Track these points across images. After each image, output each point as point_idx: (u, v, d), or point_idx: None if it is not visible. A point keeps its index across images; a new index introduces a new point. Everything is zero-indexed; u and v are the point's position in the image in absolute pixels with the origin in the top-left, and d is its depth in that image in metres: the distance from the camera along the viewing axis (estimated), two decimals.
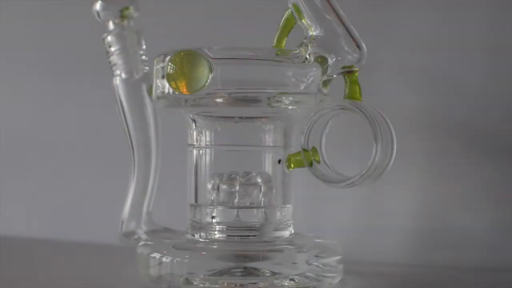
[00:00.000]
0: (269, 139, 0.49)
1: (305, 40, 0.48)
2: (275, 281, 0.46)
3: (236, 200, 0.49)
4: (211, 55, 0.46)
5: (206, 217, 0.49)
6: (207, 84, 0.46)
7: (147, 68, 0.53)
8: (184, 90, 0.46)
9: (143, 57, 0.53)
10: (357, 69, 0.47)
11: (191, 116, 0.50)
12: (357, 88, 0.47)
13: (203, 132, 0.50)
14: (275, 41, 0.50)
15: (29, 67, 0.72)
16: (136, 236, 0.53)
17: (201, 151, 0.50)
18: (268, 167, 0.50)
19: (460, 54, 0.57)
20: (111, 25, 0.53)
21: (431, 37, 0.57)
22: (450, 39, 0.57)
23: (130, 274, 0.52)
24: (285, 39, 0.50)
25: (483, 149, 0.56)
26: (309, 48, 0.47)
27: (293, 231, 0.50)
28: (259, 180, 0.49)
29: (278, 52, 0.48)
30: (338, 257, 0.49)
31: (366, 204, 0.59)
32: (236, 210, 0.49)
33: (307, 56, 0.47)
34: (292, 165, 0.49)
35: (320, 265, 0.47)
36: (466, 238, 0.56)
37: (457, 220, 0.57)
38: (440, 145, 0.57)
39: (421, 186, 0.58)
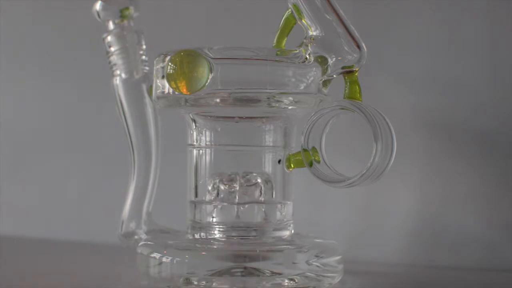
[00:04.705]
0: (269, 139, 0.49)
1: (305, 40, 0.48)
2: (275, 281, 0.46)
3: (236, 200, 0.49)
4: (211, 55, 0.46)
5: (206, 217, 0.49)
6: (207, 84, 0.46)
7: (147, 68, 0.53)
8: (184, 90, 0.46)
9: (143, 57, 0.53)
10: (357, 69, 0.47)
11: (191, 116, 0.50)
12: (357, 88, 0.47)
13: (203, 132, 0.50)
14: (275, 41, 0.50)
15: (28, 67, 0.72)
16: (136, 236, 0.53)
17: (201, 151, 0.50)
18: (268, 167, 0.50)
19: (460, 55, 0.57)
20: (111, 25, 0.53)
21: (431, 37, 0.57)
22: (450, 39, 0.57)
23: (130, 274, 0.52)
24: (285, 39, 0.50)
25: (483, 149, 0.56)
26: (309, 48, 0.47)
27: (293, 231, 0.50)
28: (259, 180, 0.49)
29: (278, 52, 0.48)
30: (338, 257, 0.49)
31: (366, 204, 0.59)
32: (236, 210, 0.49)
33: (307, 56, 0.47)
34: (292, 165, 0.49)
35: (320, 265, 0.47)
36: (466, 238, 0.56)
37: (457, 220, 0.57)
38: (440, 145, 0.57)
39: (421, 186, 0.58)
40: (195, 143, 0.50)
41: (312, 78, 0.47)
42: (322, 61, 0.47)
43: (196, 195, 0.50)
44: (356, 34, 0.47)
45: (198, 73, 0.46)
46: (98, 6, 0.52)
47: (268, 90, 0.47)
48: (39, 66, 0.71)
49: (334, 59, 0.47)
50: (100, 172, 0.68)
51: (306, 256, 0.47)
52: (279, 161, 0.50)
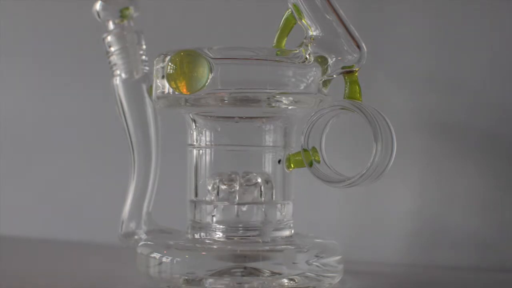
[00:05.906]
0: (269, 139, 0.49)
1: (305, 40, 0.48)
2: (275, 281, 0.46)
3: (236, 200, 0.49)
4: (211, 55, 0.46)
5: (206, 217, 0.49)
6: (207, 84, 0.46)
7: (147, 68, 0.53)
8: (184, 90, 0.46)
9: (143, 57, 0.53)
10: (357, 69, 0.47)
11: (191, 116, 0.50)
12: (357, 88, 0.47)
13: (203, 132, 0.50)
14: (275, 41, 0.50)
15: (29, 68, 0.72)
16: (136, 236, 0.53)
17: (201, 151, 0.50)
18: (268, 167, 0.50)
19: (460, 54, 0.57)
20: (111, 25, 0.53)
21: (431, 37, 0.57)
22: (450, 39, 0.57)
23: (130, 274, 0.52)
24: (285, 39, 0.50)
25: (483, 149, 0.56)
26: (309, 48, 0.47)
27: (293, 231, 0.50)
28: (259, 180, 0.49)
29: (278, 52, 0.48)
30: (338, 257, 0.49)
31: (366, 204, 0.59)
32: (236, 210, 0.49)
33: (307, 56, 0.47)
34: (292, 165, 0.49)
35: (320, 265, 0.47)
36: (466, 238, 0.56)
37: (457, 220, 0.57)
38: (440, 145, 0.57)
39: (421, 186, 0.58)
40: (195, 143, 0.50)
41: (312, 78, 0.47)
42: (322, 61, 0.47)
43: (196, 195, 0.50)
44: (356, 34, 0.47)
45: (198, 73, 0.46)
46: (98, 6, 0.52)
47: (268, 90, 0.47)
48: (39, 66, 0.71)
49: (334, 59, 0.47)
50: (100, 172, 0.68)
51: (306, 256, 0.47)
52: (279, 161, 0.50)
